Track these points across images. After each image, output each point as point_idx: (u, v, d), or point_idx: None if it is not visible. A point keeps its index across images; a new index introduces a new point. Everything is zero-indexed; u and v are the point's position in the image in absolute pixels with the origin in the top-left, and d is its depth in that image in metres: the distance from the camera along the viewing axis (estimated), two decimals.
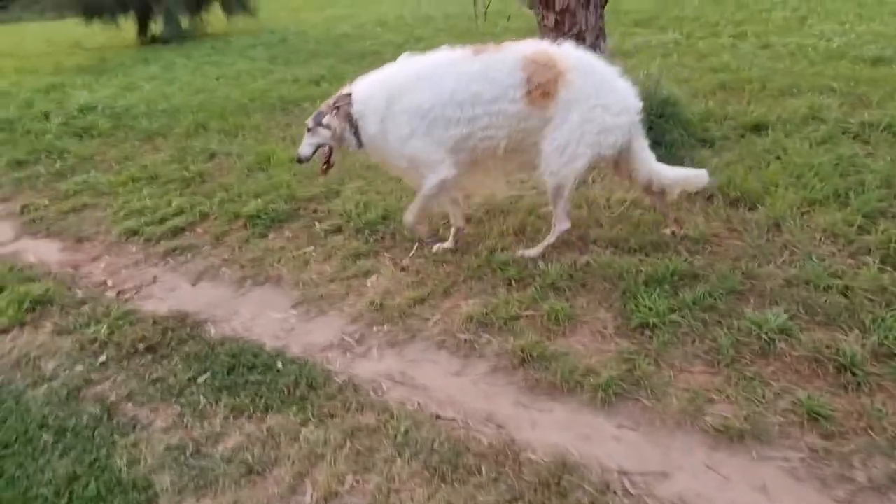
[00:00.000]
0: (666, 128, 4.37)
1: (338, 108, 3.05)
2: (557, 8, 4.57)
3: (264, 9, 14.90)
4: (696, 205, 3.46)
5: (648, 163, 2.94)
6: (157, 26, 13.33)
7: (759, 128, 4.46)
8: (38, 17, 30.41)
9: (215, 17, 13.76)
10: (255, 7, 13.77)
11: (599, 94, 2.80)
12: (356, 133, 3.05)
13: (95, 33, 14.78)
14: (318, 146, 3.15)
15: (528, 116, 2.87)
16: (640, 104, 2.90)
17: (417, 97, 2.93)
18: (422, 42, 10.08)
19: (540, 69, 2.82)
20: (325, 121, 3.09)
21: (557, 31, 4.65)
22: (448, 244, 3.37)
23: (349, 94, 3.06)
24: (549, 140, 2.86)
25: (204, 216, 4.20)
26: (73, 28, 18.56)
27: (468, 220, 3.57)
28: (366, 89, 3.05)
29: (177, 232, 4.04)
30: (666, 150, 4.01)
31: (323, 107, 3.14)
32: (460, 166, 3.03)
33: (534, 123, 2.88)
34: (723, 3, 10.42)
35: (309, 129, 3.15)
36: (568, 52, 2.92)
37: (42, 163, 5.62)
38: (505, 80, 2.85)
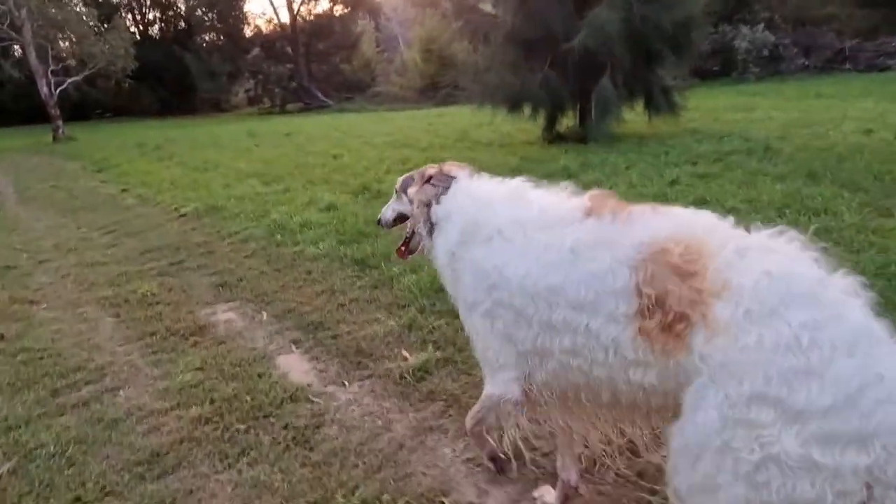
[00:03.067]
0: None
1: (431, 184, 2.12)
2: None
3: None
4: None
5: None
6: (565, 122, 11.42)
7: None
8: (376, 107, 33.21)
9: (632, 115, 11.38)
10: (682, 106, 11.08)
11: (775, 376, 1.18)
12: (430, 235, 2.10)
13: (473, 125, 13.77)
14: (400, 216, 2.34)
15: (643, 362, 1.42)
16: None
17: (486, 256, 1.82)
18: None
19: (665, 274, 1.37)
20: (409, 191, 2.26)
21: None
22: (550, 498, 2.13)
23: (451, 179, 2.09)
24: (679, 428, 1.35)
25: None
26: (432, 118, 18.50)
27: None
28: (459, 196, 2.04)
29: None
30: None
31: (423, 171, 2.22)
32: (541, 391, 1.75)
33: (655, 379, 1.42)
34: None
35: (396, 191, 2.37)
36: (737, 248, 1.35)
37: None
38: (602, 278, 1.49)
